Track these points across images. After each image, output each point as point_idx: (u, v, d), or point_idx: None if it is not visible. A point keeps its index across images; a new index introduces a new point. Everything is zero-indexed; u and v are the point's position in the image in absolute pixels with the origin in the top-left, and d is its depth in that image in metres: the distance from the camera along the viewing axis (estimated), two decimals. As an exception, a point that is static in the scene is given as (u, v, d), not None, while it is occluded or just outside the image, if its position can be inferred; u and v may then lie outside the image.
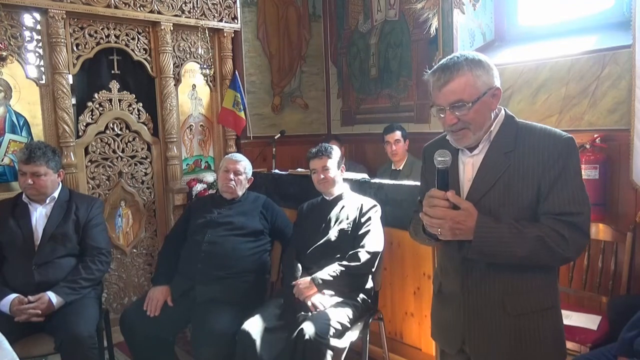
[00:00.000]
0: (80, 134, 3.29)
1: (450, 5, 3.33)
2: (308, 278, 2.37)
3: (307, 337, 2.08)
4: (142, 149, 3.56)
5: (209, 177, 3.69)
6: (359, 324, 2.40)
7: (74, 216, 2.55)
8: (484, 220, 1.35)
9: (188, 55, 3.72)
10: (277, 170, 3.66)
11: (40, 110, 3.10)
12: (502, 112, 1.47)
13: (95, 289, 2.58)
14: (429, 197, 1.40)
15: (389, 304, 2.82)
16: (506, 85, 3.09)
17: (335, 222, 2.53)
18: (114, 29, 3.35)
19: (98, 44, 3.29)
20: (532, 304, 1.42)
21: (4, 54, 2.87)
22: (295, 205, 2.83)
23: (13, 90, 3.00)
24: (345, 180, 2.69)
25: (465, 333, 1.49)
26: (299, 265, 2.51)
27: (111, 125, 3.42)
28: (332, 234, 2.50)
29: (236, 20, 3.88)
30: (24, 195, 2.53)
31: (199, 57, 3.71)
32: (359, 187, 2.83)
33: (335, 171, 2.57)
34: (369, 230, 2.45)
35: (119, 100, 3.44)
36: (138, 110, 3.53)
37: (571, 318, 2.41)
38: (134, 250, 3.59)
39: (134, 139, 3.52)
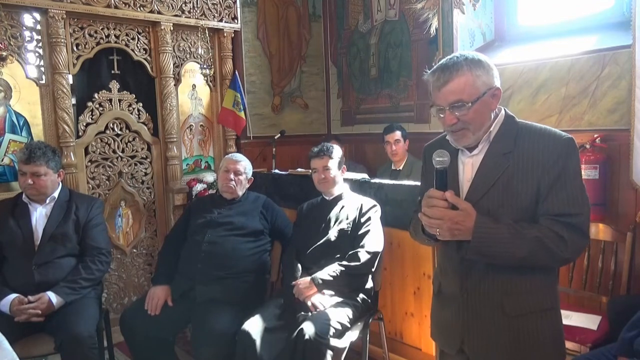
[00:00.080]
0: (80, 134, 3.29)
1: (450, 5, 3.33)
2: (308, 278, 2.37)
3: (307, 337, 2.08)
4: (142, 149, 3.57)
5: (209, 177, 3.69)
6: (359, 324, 2.40)
7: (74, 216, 2.55)
8: (483, 220, 1.35)
9: (188, 55, 3.72)
10: (277, 170, 3.66)
11: (40, 110, 3.10)
12: (502, 112, 1.47)
13: (95, 289, 2.58)
14: (428, 197, 1.40)
15: (389, 304, 2.82)
16: (506, 85, 3.09)
17: (335, 222, 2.53)
18: (114, 29, 3.35)
19: (98, 44, 3.29)
20: (531, 304, 1.42)
21: (4, 54, 2.87)
22: (295, 205, 2.83)
23: (13, 90, 3.00)
24: (345, 180, 2.69)
25: (465, 333, 1.49)
26: (299, 265, 2.51)
27: (111, 125, 3.42)
28: (332, 234, 2.50)
29: (236, 20, 3.88)
30: (24, 195, 2.53)
31: (199, 57, 3.71)
32: (359, 187, 2.83)
33: (335, 171, 2.57)
34: (368, 230, 2.45)
35: (119, 100, 3.44)
36: (138, 110, 3.53)
37: (571, 318, 2.41)
38: (134, 250, 3.59)
39: (134, 139, 3.52)
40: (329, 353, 2.12)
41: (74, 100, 3.32)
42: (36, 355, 2.29)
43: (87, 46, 3.25)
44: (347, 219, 2.51)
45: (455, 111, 1.38)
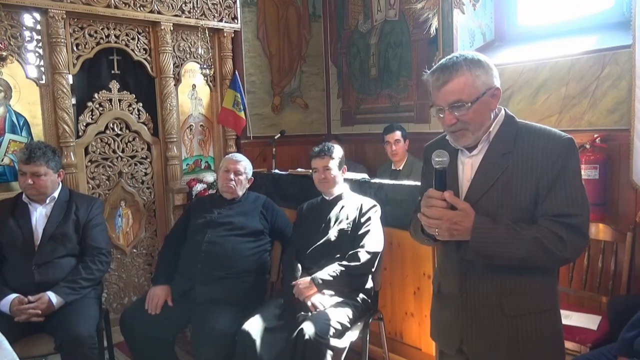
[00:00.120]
0: (80, 134, 3.29)
1: (450, 5, 3.33)
2: (308, 278, 2.37)
3: (307, 337, 2.08)
4: (142, 149, 3.57)
5: (209, 177, 3.69)
6: (359, 324, 2.40)
7: (74, 216, 2.55)
8: (481, 221, 1.35)
9: (188, 55, 3.72)
10: (277, 170, 3.66)
11: (40, 110, 3.10)
12: (502, 112, 1.47)
13: (95, 289, 2.58)
14: (427, 197, 1.40)
15: (389, 304, 2.82)
16: (506, 85, 3.09)
17: (335, 222, 2.53)
18: (114, 29, 3.35)
19: (98, 44, 3.29)
20: (530, 305, 1.42)
21: (4, 54, 2.87)
22: (295, 205, 2.83)
23: (13, 90, 3.00)
24: (345, 180, 2.69)
25: (464, 333, 1.49)
26: (299, 265, 2.51)
27: (111, 125, 3.42)
28: (332, 234, 2.50)
29: (236, 20, 3.88)
30: (24, 195, 2.53)
31: (199, 57, 3.71)
32: (359, 187, 2.83)
33: (336, 171, 2.57)
34: (368, 231, 2.45)
35: (119, 100, 3.44)
36: (138, 110, 3.53)
37: (571, 318, 2.41)
38: (134, 250, 3.59)
39: (134, 139, 3.52)
40: (329, 353, 2.12)
41: (74, 100, 3.32)
42: (36, 355, 2.28)
43: (87, 46, 3.25)
44: (347, 219, 2.51)
45: (454, 111, 1.38)
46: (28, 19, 3.02)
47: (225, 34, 3.84)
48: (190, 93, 3.78)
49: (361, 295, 2.43)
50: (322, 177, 2.56)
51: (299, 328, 2.14)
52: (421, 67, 1.44)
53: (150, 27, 3.50)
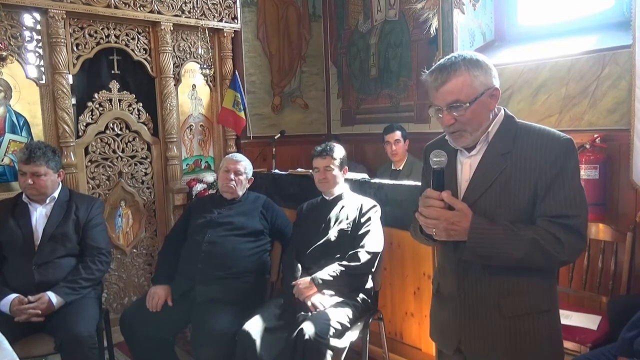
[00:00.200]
0: (80, 134, 3.29)
1: (450, 5, 3.33)
2: (308, 278, 2.37)
3: (307, 337, 2.08)
4: (142, 149, 3.57)
5: (209, 177, 3.69)
6: (359, 324, 2.40)
7: (74, 216, 2.55)
8: (479, 221, 1.35)
9: (188, 55, 3.72)
10: (277, 170, 3.66)
11: (40, 110, 3.10)
12: (502, 112, 1.47)
13: (95, 289, 2.58)
14: (425, 197, 1.40)
15: (389, 304, 2.82)
16: (506, 85, 3.09)
17: (335, 222, 2.53)
18: (114, 29, 3.35)
19: (98, 44, 3.29)
20: (528, 306, 1.41)
21: (4, 54, 2.87)
22: (295, 205, 2.83)
23: (13, 90, 3.00)
24: (345, 180, 2.69)
25: (461, 333, 1.49)
26: (299, 265, 2.51)
27: (111, 125, 3.42)
28: (332, 234, 2.50)
29: (236, 20, 3.88)
30: (24, 195, 2.53)
31: (199, 57, 3.71)
32: (359, 187, 2.83)
33: (337, 172, 2.56)
34: (368, 231, 2.45)
35: (119, 100, 3.44)
36: (138, 110, 3.53)
37: (571, 318, 2.41)
38: (134, 250, 3.59)
39: (134, 139, 3.52)
40: (329, 353, 2.12)
41: (74, 100, 3.32)
42: (36, 355, 2.28)
43: (87, 46, 3.25)
44: (347, 219, 2.51)
45: (452, 111, 1.38)
46: (28, 19, 3.02)
47: (225, 34, 3.84)
48: (190, 93, 3.78)
49: (361, 295, 2.43)
50: (323, 177, 2.56)
51: (299, 328, 2.13)
52: (421, 67, 1.44)
53: (150, 27, 3.50)
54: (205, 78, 3.80)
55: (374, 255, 2.41)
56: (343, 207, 2.56)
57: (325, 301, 2.31)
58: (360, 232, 2.46)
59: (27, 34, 3.03)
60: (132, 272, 3.58)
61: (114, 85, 3.42)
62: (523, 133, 1.41)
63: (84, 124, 3.31)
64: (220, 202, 2.78)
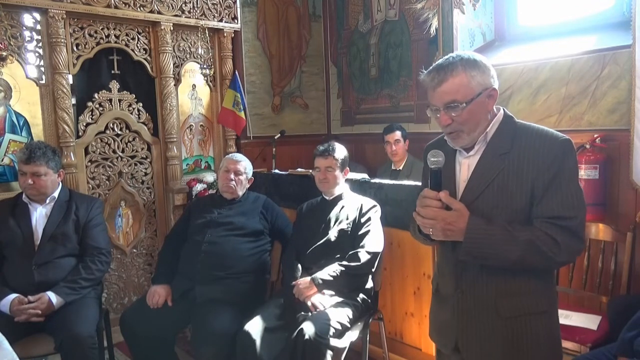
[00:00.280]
0: (80, 134, 3.29)
1: (450, 5, 3.32)
2: (308, 278, 2.37)
3: (307, 337, 2.08)
4: (142, 149, 3.57)
5: (209, 177, 3.69)
6: (359, 324, 2.40)
7: (74, 216, 2.55)
8: (476, 222, 1.35)
9: (188, 55, 3.72)
10: (277, 170, 3.66)
11: (40, 110, 3.10)
12: (501, 112, 1.46)
13: (95, 289, 2.58)
14: (422, 197, 1.40)
15: (389, 304, 2.82)
16: (506, 85, 3.09)
17: (335, 222, 2.53)
18: (114, 29, 3.35)
19: (98, 44, 3.29)
20: (525, 307, 1.41)
21: (4, 54, 2.87)
22: (295, 205, 2.83)
23: (13, 90, 3.00)
24: (345, 180, 2.69)
25: (459, 333, 1.49)
26: (299, 265, 2.51)
27: (111, 125, 3.42)
28: (332, 234, 2.50)
29: (236, 20, 3.88)
30: (24, 195, 2.53)
31: (199, 57, 3.71)
32: (359, 187, 2.83)
33: (338, 172, 2.56)
34: (368, 231, 2.45)
35: (119, 100, 3.44)
36: (138, 110, 3.53)
37: (571, 318, 2.41)
38: (134, 250, 3.59)
39: (134, 139, 3.52)
40: (329, 353, 2.12)
41: (74, 100, 3.32)
42: (36, 355, 2.29)
43: (87, 46, 3.25)
44: (347, 219, 2.51)
45: (450, 112, 1.38)
46: (28, 19, 3.02)
47: (225, 34, 3.84)
48: (190, 93, 3.78)
49: (361, 295, 2.43)
50: (323, 177, 2.56)
51: (299, 328, 2.13)
52: (421, 67, 1.44)
53: (150, 27, 3.50)
54: (205, 78, 3.80)
55: (374, 255, 2.41)
56: (343, 207, 2.56)
57: (325, 301, 2.31)
58: (360, 232, 2.46)
59: (27, 34, 3.03)
60: (132, 272, 3.58)
61: (114, 85, 3.42)
62: (522, 133, 1.41)
63: (84, 124, 3.31)
64: (220, 202, 2.78)
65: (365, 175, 3.08)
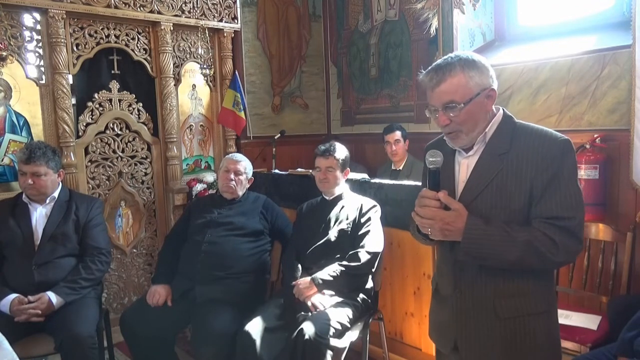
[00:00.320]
0: (80, 134, 3.29)
1: (450, 5, 3.32)
2: (308, 278, 2.37)
3: (307, 337, 2.08)
4: (142, 149, 3.57)
5: (209, 177, 3.69)
6: (359, 324, 2.40)
7: (74, 216, 2.55)
8: (474, 222, 1.35)
9: (188, 55, 3.72)
10: (277, 170, 3.66)
11: (40, 110, 3.10)
12: (500, 112, 1.46)
13: (95, 289, 2.58)
14: (420, 197, 1.41)
15: (389, 304, 2.82)
16: (506, 85, 3.09)
17: (335, 222, 2.53)
18: (114, 29, 3.35)
19: (98, 44, 3.29)
20: (524, 307, 1.40)
21: (4, 54, 2.87)
22: (295, 205, 2.83)
23: (13, 90, 3.00)
24: (345, 180, 2.69)
25: (457, 334, 1.49)
26: (299, 265, 2.51)
27: (111, 125, 3.42)
28: (332, 234, 2.50)
29: (236, 20, 3.88)
30: (24, 195, 2.53)
31: (199, 57, 3.71)
32: (359, 187, 2.83)
33: (338, 173, 2.56)
34: (368, 231, 2.45)
35: (119, 100, 3.44)
36: (138, 110, 3.53)
37: (571, 318, 2.41)
38: (134, 250, 3.59)
39: (134, 139, 3.52)
40: (329, 353, 2.12)
41: (74, 100, 3.32)
42: (36, 355, 2.28)
43: (87, 46, 3.25)
44: (347, 219, 2.51)
45: (448, 112, 1.38)
46: (28, 19, 3.02)
47: (225, 34, 3.84)
48: (190, 93, 3.78)
49: (361, 295, 2.43)
50: (324, 177, 2.56)
51: (299, 328, 2.13)
52: (421, 67, 1.44)
53: (150, 27, 3.50)
54: (205, 78, 3.80)
55: (374, 255, 2.41)
56: (343, 207, 2.56)
57: (325, 301, 2.31)
58: (360, 232, 2.46)
59: (27, 34, 3.03)
60: (132, 272, 3.58)
61: (114, 85, 3.42)
62: (521, 133, 1.41)
63: (84, 124, 3.31)
64: (220, 202, 2.78)
65: (365, 175, 3.08)
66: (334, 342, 2.15)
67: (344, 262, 2.39)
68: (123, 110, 3.46)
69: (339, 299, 2.35)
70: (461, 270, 1.45)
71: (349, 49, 4.39)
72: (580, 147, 2.67)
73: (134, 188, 3.54)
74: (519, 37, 3.40)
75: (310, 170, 2.67)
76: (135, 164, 3.54)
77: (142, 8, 3.36)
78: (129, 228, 3.56)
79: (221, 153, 3.91)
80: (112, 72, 3.41)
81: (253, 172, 2.89)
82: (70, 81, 3.23)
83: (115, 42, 3.36)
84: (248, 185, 2.84)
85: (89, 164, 3.35)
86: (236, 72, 3.87)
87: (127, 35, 3.41)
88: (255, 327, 2.24)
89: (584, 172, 2.62)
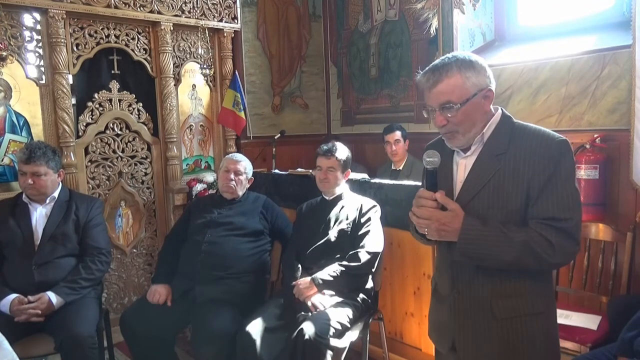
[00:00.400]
0: (80, 134, 3.29)
1: (450, 5, 3.33)
2: (308, 278, 2.37)
3: (307, 337, 2.08)
4: (142, 149, 3.57)
5: (209, 177, 3.69)
6: (359, 324, 2.40)
7: (74, 216, 2.55)
8: (470, 222, 1.34)
9: (188, 55, 3.72)
10: (277, 170, 3.66)
11: (40, 110, 3.10)
12: (499, 112, 1.46)
13: (95, 289, 2.58)
14: (418, 197, 1.41)
15: (389, 304, 2.82)
16: (506, 85, 3.09)
17: (335, 223, 2.53)
18: (114, 29, 3.35)
19: (98, 44, 3.29)
20: (521, 308, 1.40)
21: (4, 54, 2.87)
22: (295, 205, 2.83)
23: (13, 90, 3.00)
24: (345, 180, 2.68)
25: (455, 334, 1.49)
26: (299, 265, 2.51)
27: (111, 125, 3.42)
28: (332, 234, 2.50)
29: (236, 20, 3.88)
30: (24, 195, 2.53)
31: (199, 57, 3.71)
32: (359, 187, 2.83)
33: (339, 174, 2.56)
34: (368, 231, 2.45)
35: (119, 100, 3.44)
36: (138, 110, 3.53)
37: (571, 318, 2.41)
38: (134, 250, 3.59)
39: (134, 139, 3.52)
40: (329, 353, 2.12)
41: (74, 100, 3.32)
42: (36, 355, 2.28)
43: (87, 46, 3.25)
44: (347, 219, 2.51)
45: (445, 112, 1.38)
46: (28, 19, 3.02)
47: (225, 34, 3.84)
48: (190, 93, 3.78)
49: (361, 295, 2.43)
50: (324, 177, 2.55)
51: (299, 328, 2.13)
52: (421, 67, 1.44)
53: (150, 27, 3.50)
54: (205, 78, 3.80)
55: (374, 255, 2.41)
56: (343, 207, 2.56)
57: (325, 301, 2.31)
58: (360, 233, 2.46)
59: (27, 34, 3.03)
60: (132, 272, 3.58)
61: (114, 85, 3.42)
62: (519, 134, 1.41)
63: (84, 124, 3.31)
64: (220, 202, 2.78)
65: (365, 175, 3.08)
66: (334, 342, 2.15)
67: (344, 262, 2.39)
68: (123, 110, 3.46)
69: (339, 299, 2.35)
70: (459, 271, 1.45)
71: (349, 49, 4.39)
72: (580, 147, 2.67)
73: (134, 188, 3.54)
74: (519, 37, 3.40)
75: (311, 170, 2.67)
76: (135, 164, 3.54)
77: (142, 8, 3.36)
78: (129, 228, 3.56)
79: (221, 153, 3.91)
80: (112, 72, 3.41)
81: (253, 172, 2.89)
82: (70, 81, 3.23)
83: (115, 42, 3.36)
84: (248, 185, 2.84)
85: (89, 164, 3.35)
86: (236, 72, 3.87)
87: (127, 35, 3.41)
88: (255, 327, 2.24)
89: (584, 172, 2.62)
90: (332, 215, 2.55)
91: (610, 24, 2.89)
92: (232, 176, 2.73)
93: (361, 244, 2.42)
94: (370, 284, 2.49)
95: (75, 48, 3.21)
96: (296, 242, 2.63)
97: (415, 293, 2.69)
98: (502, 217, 1.36)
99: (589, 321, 2.38)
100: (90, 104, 3.33)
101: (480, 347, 1.44)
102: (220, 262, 2.55)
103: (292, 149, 4.25)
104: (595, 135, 2.67)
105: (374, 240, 2.44)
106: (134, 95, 3.50)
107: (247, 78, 4.06)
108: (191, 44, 3.73)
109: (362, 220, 2.48)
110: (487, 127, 1.43)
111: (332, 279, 2.34)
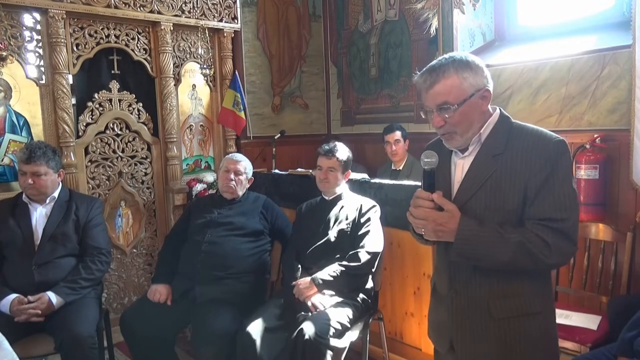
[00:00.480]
0: (80, 134, 3.29)
1: (450, 5, 3.33)
2: (308, 278, 2.37)
3: (307, 337, 2.08)
4: (142, 149, 3.57)
5: (209, 177, 3.69)
6: (359, 324, 2.40)
7: (74, 216, 2.55)
8: (467, 223, 1.34)
9: (188, 55, 3.72)
10: (277, 170, 3.66)
11: (40, 110, 3.10)
12: (497, 112, 1.46)
13: (95, 289, 2.58)
14: (415, 197, 1.41)
15: (389, 304, 2.82)
16: (506, 85, 3.09)
17: (335, 223, 2.53)
18: (114, 29, 3.35)
19: (98, 44, 3.29)
20: (518, 308, 1.40)
21: (4, 54, 2.87)
22: (295, 205, 2.83)
23: (13, 90, 3.00)
24: (346, 181, 2.68)
25: (453, 334, 1.49)
26: (299, 266, 2.51)
27: (111, 125, 3.42)
28: (332, 234, 2.50)
29: (236, 20, 3.88)
30: (24, 195, 2.53)
31: (199, 57, 3.71)
32: (359, 187, 2.83)
33: (339, 174, 2.56)
34: (368, 231, 2.45)
35: (119, 100, 3.44)
36: (138, 110, 3.53)
37: (571, 318, 2.41)
38: (134, 250, 3.59)
39: (134, 139, 3.52)
40: (329, 353, 2.12)
41: (74, 100, 3.32)
42: (36, 355, 2.29)
43: (87, 46, 3.25)
44: (346, 219, 2.51)
45: (442, 113, 1.38)
46: (28, 19, 3.02)
47: (225, 34, 3.84)
48: (190, 93, 3.78)
49: (361, 295, 2.43)
50: (324, 177, 2.55)
51: (299, 328, 2.14)
52: (421, 67, 1.44)
53: (150, 27, 3.50)
54: (205, 78, 3.80)
55: (374, 255, 2.41)
56: (342, 207, 2.56)
57: (325, 301, 2.31)
58: (360, 233, 2.46)
59: (27, 34, 3.03)
60: (132, 272, 3.58)
61: (114, 85, 3.42)
62: (516, 134, 1.41)
63: (84, 124, 3.31)
64: (220, 202, 2.78)
65: (365, 175, 3.08)
66: (334, 342, 2.15)
67: (344, 262, 2.39)
68: (123, 110, 3.46)
69: (339, 299, 2.35)
70: (456, 271, 1.46)
71: (349, 49, 4.39)
72: (580, 147, 2.67)
73: (134, 188, 3.54)
74: (519, 37, 3.40)
75: (311, 170, 2.67)
76: (135, 164, 3.54)
77: (142, 8, 3.36)
78: (129, 228, 3.56)
79: (221, 153, 3.91)
80: (112, 72, 3.41)
81: (253, 172, 2.89)
82: (70, 81, 3.23)
83: (115, 42, 3.36)
84: (248, 185, 2.84)
85: (89, 164, 3.35)
86: (236, 72, 3.87)
87: (127, 35, 3.41)
88: (255, 327, 2.24)
89: (584, 172, 2.63)
90: (332, 215, 2.55)
91: (610, 24, 2.89)
92: (232, 176, 2.73)
93: (361, 244, 2.42)
94: (370, 284, 2.49)
95: (75, 48, 3.21)
96: (296, 242, 2.63)
97: (415, 293, 2.69)
98: (499, 218, 1.36)
99: (589, 321, 2.38)
100: (90, 104, 3.33)
101: (478, 346, 1.44)
102: (220, 262, 2.55)
103: (292, 149, 4.25)
104: (595, 135, 2.67)
105: (374, 240, 2.44)
106: (134, 95, 3.50)
107: (247, 78, 4.06)
108: (191, 44, 3.73)
109: (362, 220, 2.48)
110: (484, 127, 1.43)
111: (332, 279, 2.34)
